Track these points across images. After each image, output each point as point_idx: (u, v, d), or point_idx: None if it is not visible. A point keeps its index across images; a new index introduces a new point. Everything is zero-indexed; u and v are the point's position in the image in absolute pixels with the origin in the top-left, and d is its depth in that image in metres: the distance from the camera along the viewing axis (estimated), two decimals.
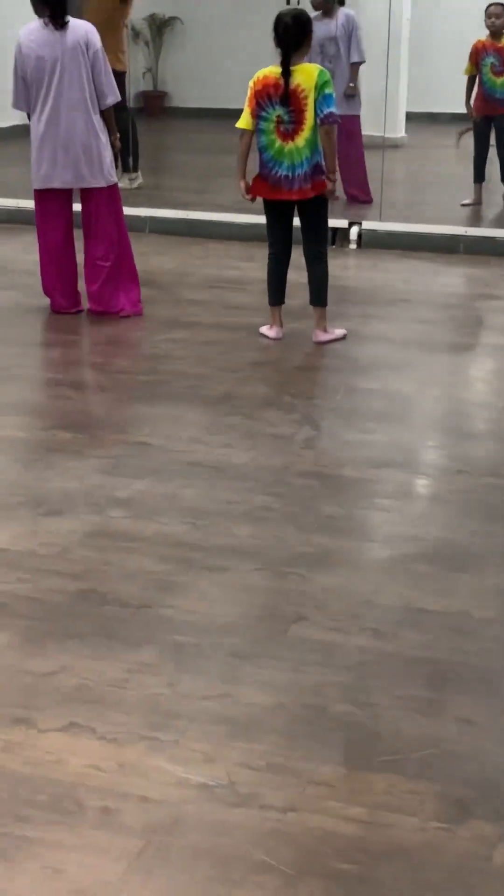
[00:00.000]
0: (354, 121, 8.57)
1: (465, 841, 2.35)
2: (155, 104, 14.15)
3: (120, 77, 8.53)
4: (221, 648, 3.06)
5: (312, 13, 8.49)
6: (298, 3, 10.88)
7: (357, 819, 2.43)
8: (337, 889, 2.24)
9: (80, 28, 5.82)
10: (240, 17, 12.65)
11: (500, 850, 2.33)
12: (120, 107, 6.39)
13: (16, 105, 5.99)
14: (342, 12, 8.65)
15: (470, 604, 3.30)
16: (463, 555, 3.63)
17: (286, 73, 5.29)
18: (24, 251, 7.43)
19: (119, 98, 6.06)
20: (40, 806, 2.44)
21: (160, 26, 14.00)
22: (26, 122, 6.09)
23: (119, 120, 6.69)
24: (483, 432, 4.81)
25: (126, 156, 9.25)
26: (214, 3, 13.43)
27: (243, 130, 5.51)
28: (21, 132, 7.03)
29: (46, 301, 6.29)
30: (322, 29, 8.25)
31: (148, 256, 7.03)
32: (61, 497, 4.03)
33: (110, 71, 5.93)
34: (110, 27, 8.42)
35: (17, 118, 7.81)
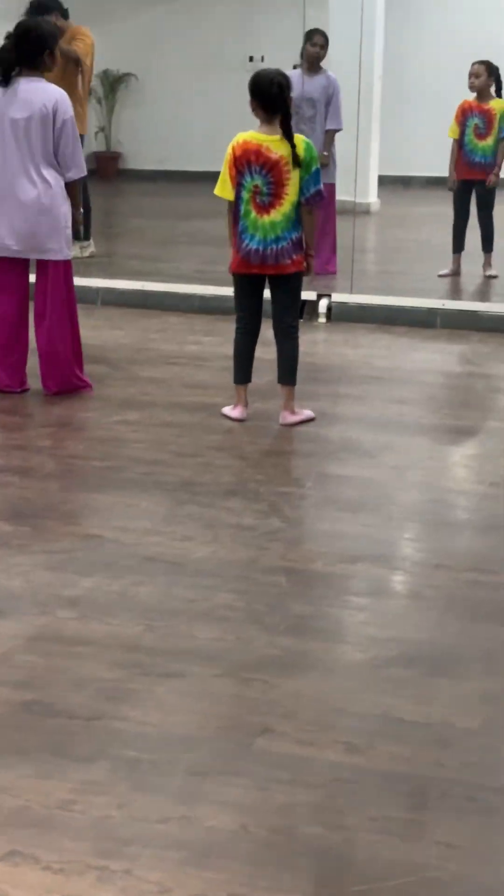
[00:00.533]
0: (329, 189, 8.75)
1: None
2: (108, 166, 14.37)
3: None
4: (179, 765, 3.03)
5: (289, 70, 8.71)
6: (263, 60, 11.16)
7: None
8: None
9: (52, 93, 5.92)
10: (199, 72, 12.89)
11: None
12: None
13: None
14: (325, 73, 8.84)
15: (452, 712, 3.28)
16: (444, 658, 3.60)
17: (289, 136, 5.38)
18: None
19: (85, 174, 6.18)
20: None
21: (113, 83, 14.27)
22: None
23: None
24: (464, 522, 4.82)
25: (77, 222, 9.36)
26: (171, 59, 13.68)
27: (227, 201, 5.58)
28: None
29: None
30: (301, 88, 8.40)
31: (101, 331, 7.10)
32: (3, 596, 4.00)
33: (79, 145, 6.03)
34: (65, 89, 8.66)
35: None
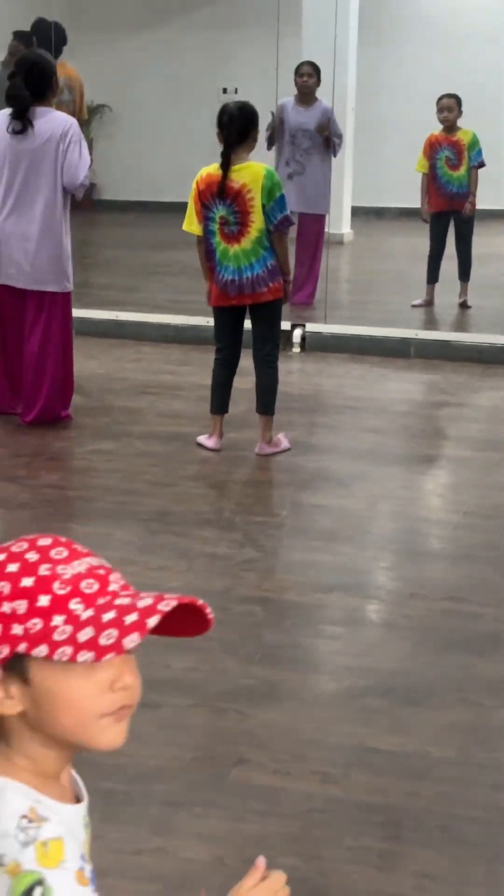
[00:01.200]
0: (321, 220, 8.80)
1: None
2: (83, 196, 14.38)
3: None
4: (154, 796, 3.02)
5: (285, 98, 8.68)
6: (237, 92, 11.17)
7: None
8: None
9: (66, 120, 6.01)
10: (173, 104, 12.90)
11: None
12: None
13: None
14: (320, 103, 8.85)
15: (427, 742, 3.29)
16: (418, 688, 3.62)
17: (225, 166, 5.40)
18: None
19: (87, 184, 6.28)
20: None
21: (88, 114, 14.31)
22: None
23: None
24: (437, 552, 4.84)
25: None
26: (146, 90, 13.67)
27: (196, 236, 5.62)
28: None
29: None
30: (298, 118, 8.47)
31: (75, 360, 7.10)
32: None
33: (86, 158, 6.09)
34: None
35: None
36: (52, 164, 5.94)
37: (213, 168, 5.48)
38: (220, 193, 5.43)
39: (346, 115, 11.07)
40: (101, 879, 2.68)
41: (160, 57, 13.36)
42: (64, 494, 5.39)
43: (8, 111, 5.95)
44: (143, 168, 13.38)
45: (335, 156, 8.86)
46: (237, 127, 5.39)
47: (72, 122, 6.01)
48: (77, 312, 8.50)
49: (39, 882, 1.31)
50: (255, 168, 5.44)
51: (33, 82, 5.91)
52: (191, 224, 5.59)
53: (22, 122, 5.89)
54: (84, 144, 6.03)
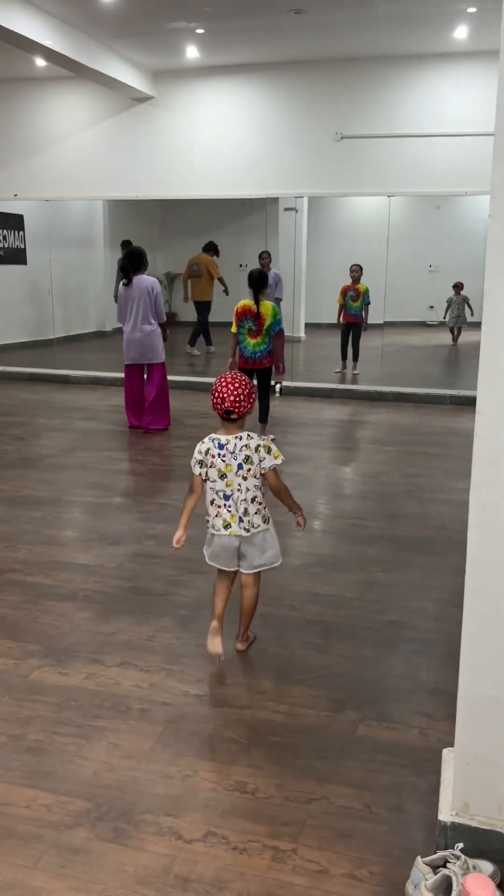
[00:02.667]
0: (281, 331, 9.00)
1: (341, 723, 2.46)
2: (170, 319, 13.47)
3: (206, 304, 9.79)
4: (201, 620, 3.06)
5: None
6: (246, 266, 10.85)
7: (282, 711, 2.51)
8: (271, 752, 2.31)
9: (149, 280, 6.25)
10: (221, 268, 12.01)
11: (360, 728, 2.44)
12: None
13: (119, 320, 6.46)
14: (274, 271, 9.05)
15: (342, 590, 3.45)
16: (338, 562, 3.76)
17: (257, 303, 5.68)
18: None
19: (165, 320, 6.44)
20: (106, 708, 2.53)
21: (171, 279, 13.64)
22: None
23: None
24: (349, 494, 4.95)
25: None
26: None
27: (232, 333, 5.84)
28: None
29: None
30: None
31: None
32: (116, 534, 4.12)
33: (162, 303, 6.33)
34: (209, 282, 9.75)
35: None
36: (148, 301, 6.22)
37: (246, 301, 5.78)
38: (253, 319, 5.69)
39: (302, 274, 11.32)
40: (179, 657, 2.73)
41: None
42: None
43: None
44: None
45: (281, 298, 9.12)
46: (261, 284, 5.69)
47: (153, 281, 6.24)
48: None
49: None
50: (267, 304, 5.73)
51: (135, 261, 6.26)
52: (234, 328, 5.81)
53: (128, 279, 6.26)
54: (161, 298, 6.30)
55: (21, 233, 10.31)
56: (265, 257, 8.97)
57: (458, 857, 1.78)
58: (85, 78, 8.39)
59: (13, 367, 9.57)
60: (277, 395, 8.18)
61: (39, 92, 9.66)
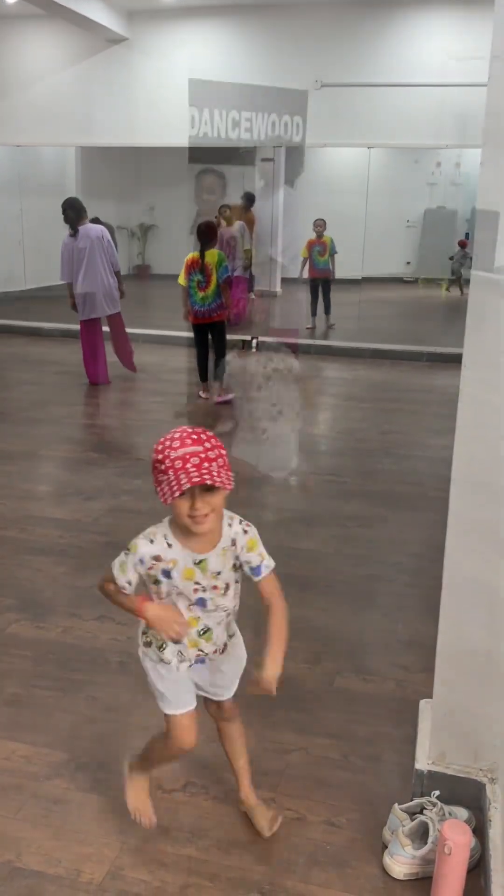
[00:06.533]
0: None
1: (319, 675, 2.51)
2: (144, 272, 13.85)
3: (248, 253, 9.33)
4: None
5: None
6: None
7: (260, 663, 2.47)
8: (250, 703, 2.02)
9: (97, 228, 6.23)
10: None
11: (337, 680, 2.50)
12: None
13: (64, 277, 6.39)
14: (237, 224, 8.97)
15: (319, 545, 3.51)
16: (315, 518, 3.82)
17: (202, 255, 5.69)
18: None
19: (119, 268, 6.44)
20: (84, 661, 2.57)
21: (145, 230, 13.87)
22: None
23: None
24: (325, 451, 5.01)
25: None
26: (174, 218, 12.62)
27: (180, 285, 5.84)
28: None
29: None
30: (228, 232, 8.68)
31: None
32: (91, 489, 4.13)
33: (115, 251, 6.38)
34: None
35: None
36: (103, 251, 6.23)
37: (193, 253, 5.78)
38: (200, 270, 5.71)
39: (278, 230, 10.93)
40: None
41: None
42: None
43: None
44: (176, 258, 11.65)
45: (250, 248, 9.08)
46: (207, 235, 5.70)
47: (104, 229, 6.26)
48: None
49: None
50: (213, 252, 5.74)
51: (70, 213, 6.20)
52: (182, 280, 5.81)
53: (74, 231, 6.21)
54: (113, 245, 6.32)
55: None
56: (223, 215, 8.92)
57: (434, 804, 1.83)
58: (56, 16, 8.15)
59: None
60: (254, 350, 8.13)
61: (8, 30, 9.36)
